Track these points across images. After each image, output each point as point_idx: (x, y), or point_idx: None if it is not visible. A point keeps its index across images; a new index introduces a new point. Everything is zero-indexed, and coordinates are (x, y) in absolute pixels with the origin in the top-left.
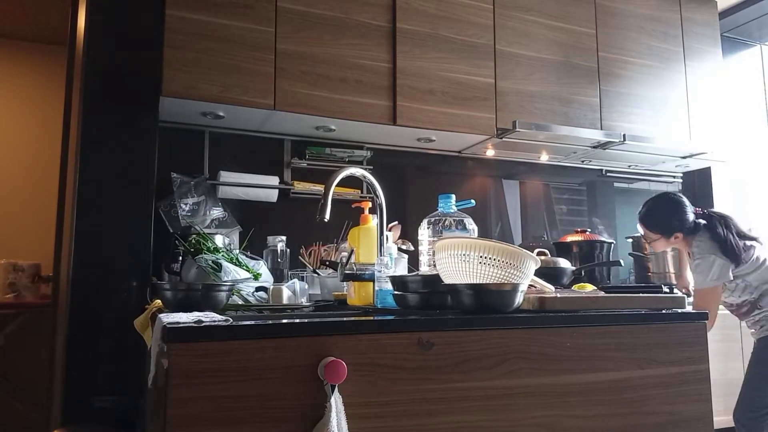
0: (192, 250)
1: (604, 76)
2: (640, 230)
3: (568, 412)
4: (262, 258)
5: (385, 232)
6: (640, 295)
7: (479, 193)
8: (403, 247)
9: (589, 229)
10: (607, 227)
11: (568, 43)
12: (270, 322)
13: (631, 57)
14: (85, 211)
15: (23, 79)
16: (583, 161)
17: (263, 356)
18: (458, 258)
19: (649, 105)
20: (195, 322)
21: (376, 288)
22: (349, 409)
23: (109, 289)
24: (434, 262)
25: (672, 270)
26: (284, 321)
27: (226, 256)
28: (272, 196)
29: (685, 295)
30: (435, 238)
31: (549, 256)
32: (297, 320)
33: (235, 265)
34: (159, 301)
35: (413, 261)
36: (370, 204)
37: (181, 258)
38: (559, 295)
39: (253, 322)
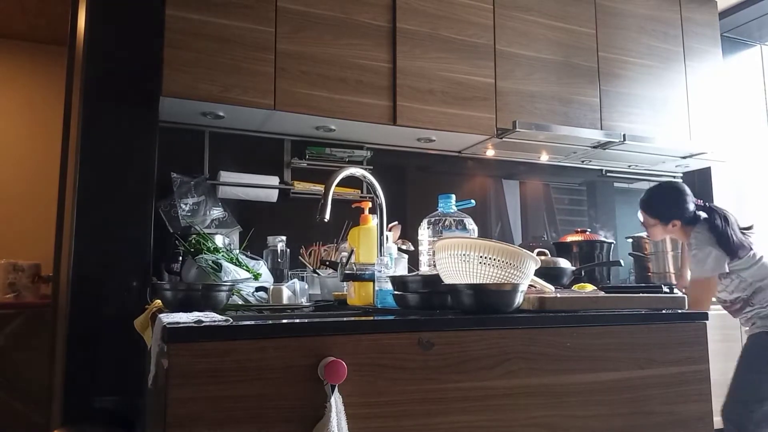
0: (192, 250)
1: (604, 76)
2: (640, 217)
3: (568, 412)
4: (262, 258)
5: (385, 232)
6: (640, 295)
7: (479, 193)
8: (403, 247)
9: (589, 229)
10: (607, 227)
11: (568, 43)
12: (270, 322)
13: (631, 57)
14: (85, 211)
15: (23, 79)
16: (583, 161)
17: (263, 356)
18: (458, 258)
19: (649, 105)
20: (195, 322)
21: (376, 288)
22: (349, 409)
23: (109, 289)
24: (434, 262)
25: (672, 270)
26: (284, 321)
27: (226, 256)
28: (272, 196)
29: (685, 296)
30: (435, 238)
31: (549, 256)
32: (297, 320)
33: (235, 265)
34: (159, 301)
35: (413, 261)
36: (370, 204)
37: (181, 258)
38: (559, 295)
39: (253, 322)
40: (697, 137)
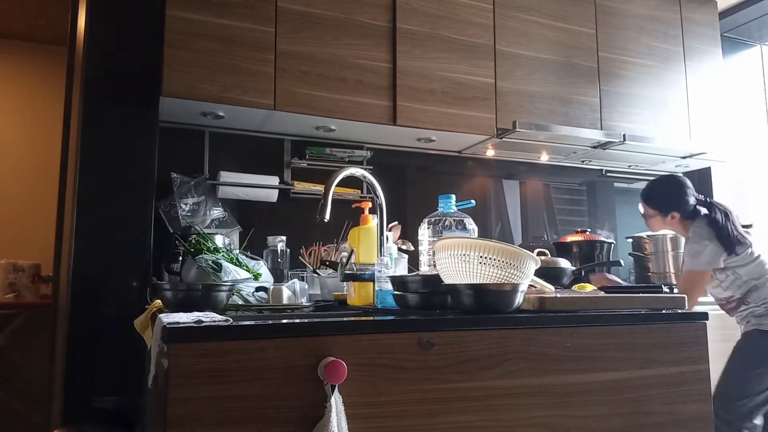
0: (192, 250)
1: (604, 76)
2: (641, 208)
3: (568, 412)
4: (262, 258)
5: (385, 232)
6: (640, 295)
7: (479, 193)
8: (403, 247)
9: (589, 229)
10: (607, 227)
11: (568, 43)
12: (270, 322)
13: (631, 57)
14: (85, 211)
15: (23, 79)
16: (583, 161)
17: (263, 356)
18: (458, 258)
19: (649, 105)
20: (195, 322)
21: (376, 288)
22: (349, 409)
23: (109, 289)
24: (434, 262)
25: (672, 270)
26: (284, 321)
27: (226, 256)
28: (272, 196)
29: (685, 296)
30: (435, 238)
31: (549, 256)
32: (297, 320)
33: (235, 265)
34: (159, 301)
35: (413, 261)
36: (370, 204)
37: (181, 258)
38: (559, 295)
39: (253, 322)
40: (697, 137)
